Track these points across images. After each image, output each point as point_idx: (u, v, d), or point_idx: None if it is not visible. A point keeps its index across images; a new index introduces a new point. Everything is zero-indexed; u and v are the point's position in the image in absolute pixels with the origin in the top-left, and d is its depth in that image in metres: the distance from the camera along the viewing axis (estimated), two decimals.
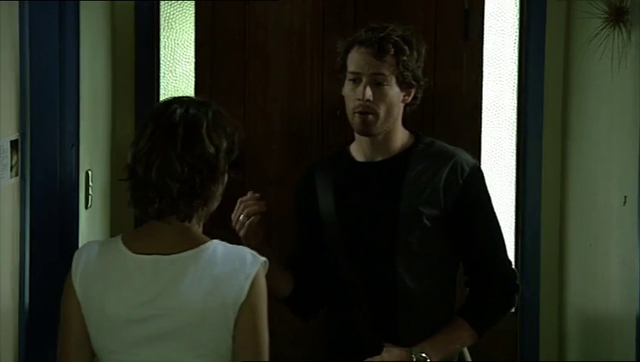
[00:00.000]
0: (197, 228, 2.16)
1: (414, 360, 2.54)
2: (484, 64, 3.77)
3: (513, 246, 3.85)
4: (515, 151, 3.83)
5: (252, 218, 2.56)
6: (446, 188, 2.61)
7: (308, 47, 3.69)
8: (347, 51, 2.66)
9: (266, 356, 2.10)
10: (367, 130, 2.63)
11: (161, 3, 3.77)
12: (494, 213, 2.72)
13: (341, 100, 2.74)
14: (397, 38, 2.61)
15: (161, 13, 3.77)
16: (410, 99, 2.68)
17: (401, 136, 2.70)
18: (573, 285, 3.65)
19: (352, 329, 2.64)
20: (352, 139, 2.76)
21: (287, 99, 3.76)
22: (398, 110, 2.66)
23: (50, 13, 2.69)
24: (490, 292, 2.64)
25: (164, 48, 3.79)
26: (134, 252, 2.10)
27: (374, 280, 2.64)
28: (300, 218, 2.82)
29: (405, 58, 2.61)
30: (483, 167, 3.80)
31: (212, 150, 2.09)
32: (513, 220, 3.84)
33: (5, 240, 2.31)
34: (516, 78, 3.81)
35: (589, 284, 3.47)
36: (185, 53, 3.80)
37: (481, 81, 3.77)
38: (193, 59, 3.79)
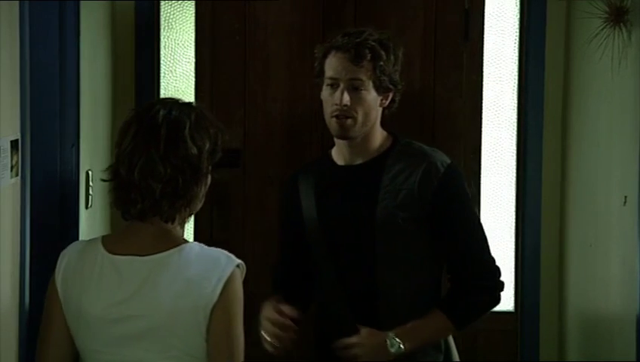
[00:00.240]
0: (178, 229, 2.15)
1: (389, 344, 2.57)
2: (485, 64, 3.78)
3: (513, 247, 3.85)
4: (515, 151, 3.83)
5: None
6: (421, 190, 2.63)
7: (308, 47, 3.69)
8: (325, 56, 2.68)
9: (239, 361, 2.09)
10: (344, 134, 2.66)
11: (161, 3, 3.77)
12: (473, 211, 2.73)
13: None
14: (374, 43, 2.63)
15: (161, 13, 3.78)
16: (387, 102, 2.70)
17: (379, 139, 2.72)
18: (573, 285, 3.65)
19: (334, 328, 2.67)
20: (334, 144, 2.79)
21: (287, 99, 3.76)
22: (376, 114, 2.69)
23: (50, 13, 2.69)
24: (469, 287, 2.65)
25: (164, 48, 3.80)
26: (111, 252, 2.10)
27: (356, 282, 2.67)
28: (286, 220, 2.85)
29: (382, 63, 2.63)
30: (483, 167, 3.85)
31: (195, 151, 2.09)
32: (513, 220, 3.84)
33: (5, 240, 2.31)
34: (516, 78, 3.81)
35: (589, 284, 3.47)
36: (185, 53, 3.80)
37: (481, 81, 3.77)
38: (193, 59, 3.79)
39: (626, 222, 3.04)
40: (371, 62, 2.62)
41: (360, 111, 2.63)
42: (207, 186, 2.17)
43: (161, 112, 2.10)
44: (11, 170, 2.31)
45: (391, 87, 2.67)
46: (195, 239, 3.76)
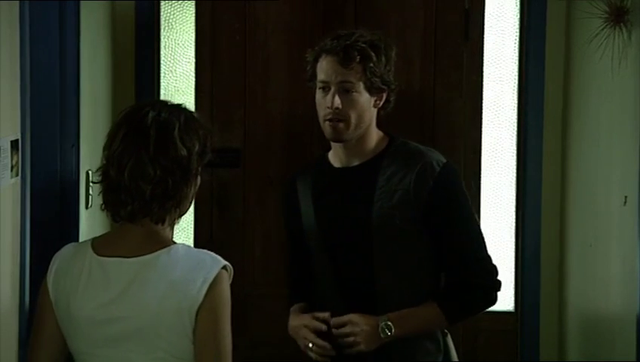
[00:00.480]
0: (167, 231, 2.15)
1: (381, 325, 2.58)
2: (485, 64, 3.78)
3: (513, 247, 3.85)
4: (515, 151, 3.83)
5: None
6: (416, 189, 2.63)
7: (308, 47, 3.68)
8: (316, 60, 2.70)
9: None
10: (338, 137, 2.66)
11: (161, 3, 3.77)
12: (470, 210, 2.73)
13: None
14: (363, 45, 2.63)
15: (161, 13, 3.78)
16: (382, 103, 2.70)
17: (375, 140, 2.72)
18: (573, 285, 3.65)
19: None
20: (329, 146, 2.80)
21: (287, 99, 3.76)
22: (370, 115, 2.69)
23: (50, 13, 2.69)
24: (466, 284, 2.66)
25: (164, 48, 3.80)
26: (100, 254, 2.10)
27: (354, 283, 2.68)
28: (288, 223, 2.86)
29: (372, 64, 2.62)
30: (483, 167, 3.85)
31: (184, 152, 2.09)
32: (513, 220, 3.85)
33: (5, 240, 2.31)
34: (516, 78, 3.81)
35: (589, 284, 3.48)
36: (185, 53, 3.80)
37: (481, 81, 3.77)
38: (193, 59, 3.79)
39: (626, 222, 3.04)
40: (361, 64, 2.62)
41: (352, 113, 2.63)
42: (197, 187, 2.17)
43: (151, 114, 2.10)
44: (11, 170, 2.32)
45: (383, 87, 2.67)
46: (195, 239, 3.77)
